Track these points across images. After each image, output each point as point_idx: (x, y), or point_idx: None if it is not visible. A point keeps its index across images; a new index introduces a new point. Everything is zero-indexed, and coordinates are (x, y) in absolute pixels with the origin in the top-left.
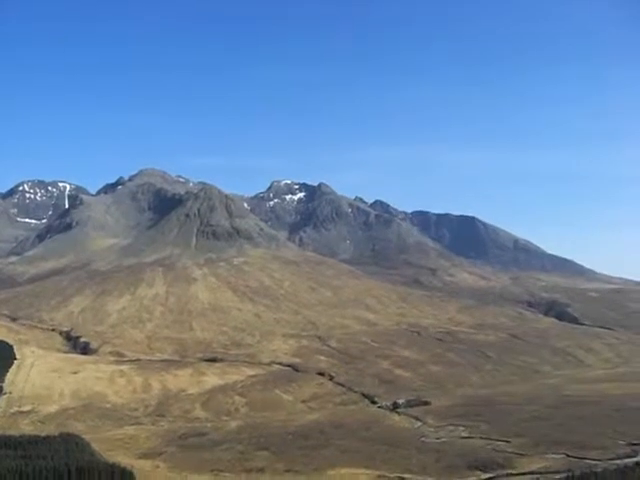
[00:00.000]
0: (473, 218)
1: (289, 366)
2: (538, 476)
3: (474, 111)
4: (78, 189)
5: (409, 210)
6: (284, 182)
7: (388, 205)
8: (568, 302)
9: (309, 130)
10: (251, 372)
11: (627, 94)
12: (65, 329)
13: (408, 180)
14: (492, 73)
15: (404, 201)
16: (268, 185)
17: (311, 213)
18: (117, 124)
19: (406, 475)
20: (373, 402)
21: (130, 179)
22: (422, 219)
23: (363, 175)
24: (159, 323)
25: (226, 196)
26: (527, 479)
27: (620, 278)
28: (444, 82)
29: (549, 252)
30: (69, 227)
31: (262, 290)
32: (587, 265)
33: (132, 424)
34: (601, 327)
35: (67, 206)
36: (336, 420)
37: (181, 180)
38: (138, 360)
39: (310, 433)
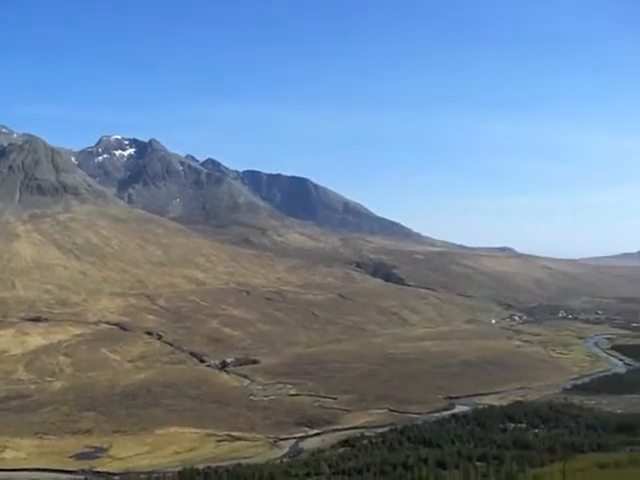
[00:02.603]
0: (304, 179)
1: (116, 325)
2: (363, 430)
3: (308, 71)
4: None
5: (241, 169)
6: (114, 137)
7: (220, 164)
8: (395, 264)
9: (141, 85)
10: (77, 331)
11: (443, 63)
12: None
13: (241, 139)
14: (325, 33)
15: (236, 160)
16: (97, 140)
17: (141, 170)
18: None
19: (235, 433)
20: (202, 361)
21: None
22: (253, 179)
23: (196, 132)
24: None
25: (52, 149)
26: (352, 434)
27: (444, 241)
28: (278, 41)
29: (378, 215)
30: None
31: (89, 247)
32: (414, 228)
33: None
34: (425, 288)
35: None
36: (164, 379)
37: (4, 131)
38: None
39: (138, 393)
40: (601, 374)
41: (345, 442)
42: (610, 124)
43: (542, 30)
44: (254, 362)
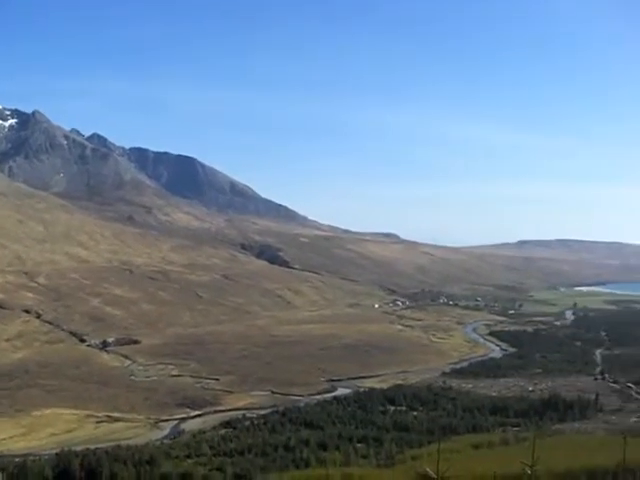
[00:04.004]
0: (192, 158)
1: None
2: (244, 412)
3: (197, 49)
4: None
5: (127, 146)
6: None
7: (106, 139)
8: (280, 246)
9: (25, 51)
10: None
11: (332, 48)
12: None
13: (128, 115)
14: (214, 11)
15: (123, 136)
16: None
17: (23, 142)
18: None
19: (115, 414)
20: (82, 340)
21: None
22: (140, 156)
23: (82, 105)
24: None
25: None
26: (234, 415)
27: (330, 225)
28: (167, 17)
29: (264, 197)
30: None
31: None
32: (300, 211)
33: None
34: (310, 271)
35: None
36: (42, 359)
37: None
38: None
39: (14, 373)
40: (478, 359)
41: (227, 423)
42: (500, 118)
43: (434, 20)
44: (136, 342)
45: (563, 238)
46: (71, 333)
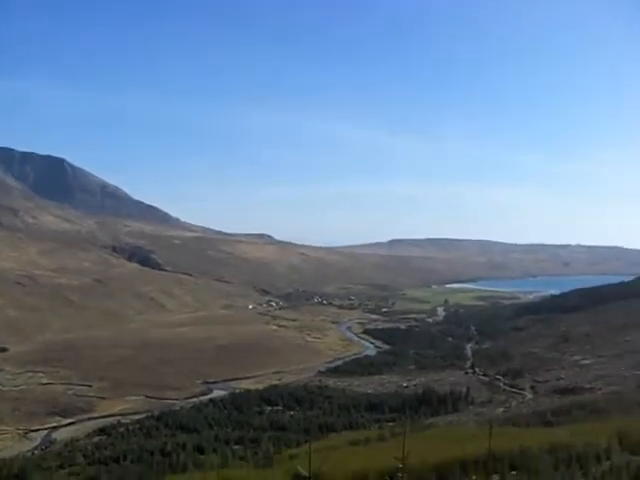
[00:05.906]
0: (61, 159)
1: None
2: (119, 418)
3: (64, 46)
4: None
5: None
6: None
7: None
8: (152, 248)
9: None
10: None
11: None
12: None
13: None
14: (85, 6)
15: None
16: None
17: None
18: None
19: None
20: None
21: None
22: (5, 156)
23: None
24: None
25: None
26: (108, 422)
27: (202, 227)
28: (34, 13)
29: (135, 198)
30: None
31: None
32: (172, 213)
33: None
34: (183, 273)
35: None
36: None
37: None
38: None
39: None
40: (354, 357)
41: (101, 430)
42: (371, 119)
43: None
44: (3, 350)
45: (433, 237)
46: None
